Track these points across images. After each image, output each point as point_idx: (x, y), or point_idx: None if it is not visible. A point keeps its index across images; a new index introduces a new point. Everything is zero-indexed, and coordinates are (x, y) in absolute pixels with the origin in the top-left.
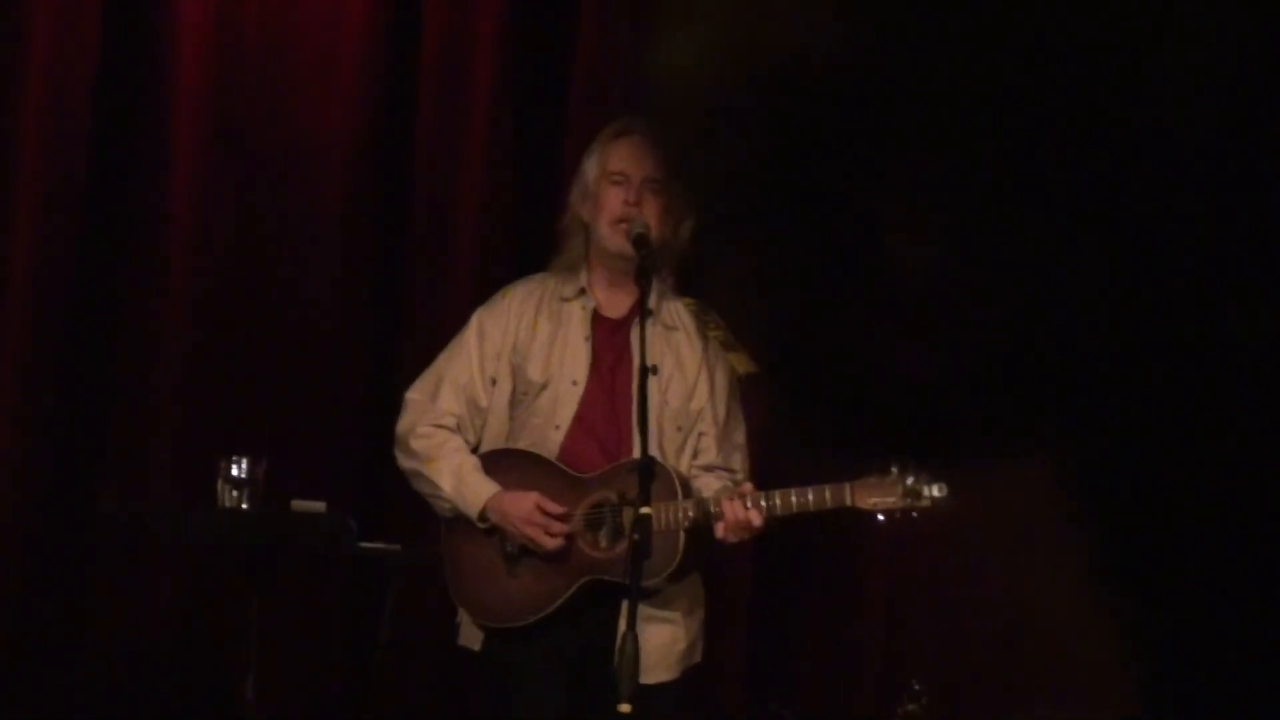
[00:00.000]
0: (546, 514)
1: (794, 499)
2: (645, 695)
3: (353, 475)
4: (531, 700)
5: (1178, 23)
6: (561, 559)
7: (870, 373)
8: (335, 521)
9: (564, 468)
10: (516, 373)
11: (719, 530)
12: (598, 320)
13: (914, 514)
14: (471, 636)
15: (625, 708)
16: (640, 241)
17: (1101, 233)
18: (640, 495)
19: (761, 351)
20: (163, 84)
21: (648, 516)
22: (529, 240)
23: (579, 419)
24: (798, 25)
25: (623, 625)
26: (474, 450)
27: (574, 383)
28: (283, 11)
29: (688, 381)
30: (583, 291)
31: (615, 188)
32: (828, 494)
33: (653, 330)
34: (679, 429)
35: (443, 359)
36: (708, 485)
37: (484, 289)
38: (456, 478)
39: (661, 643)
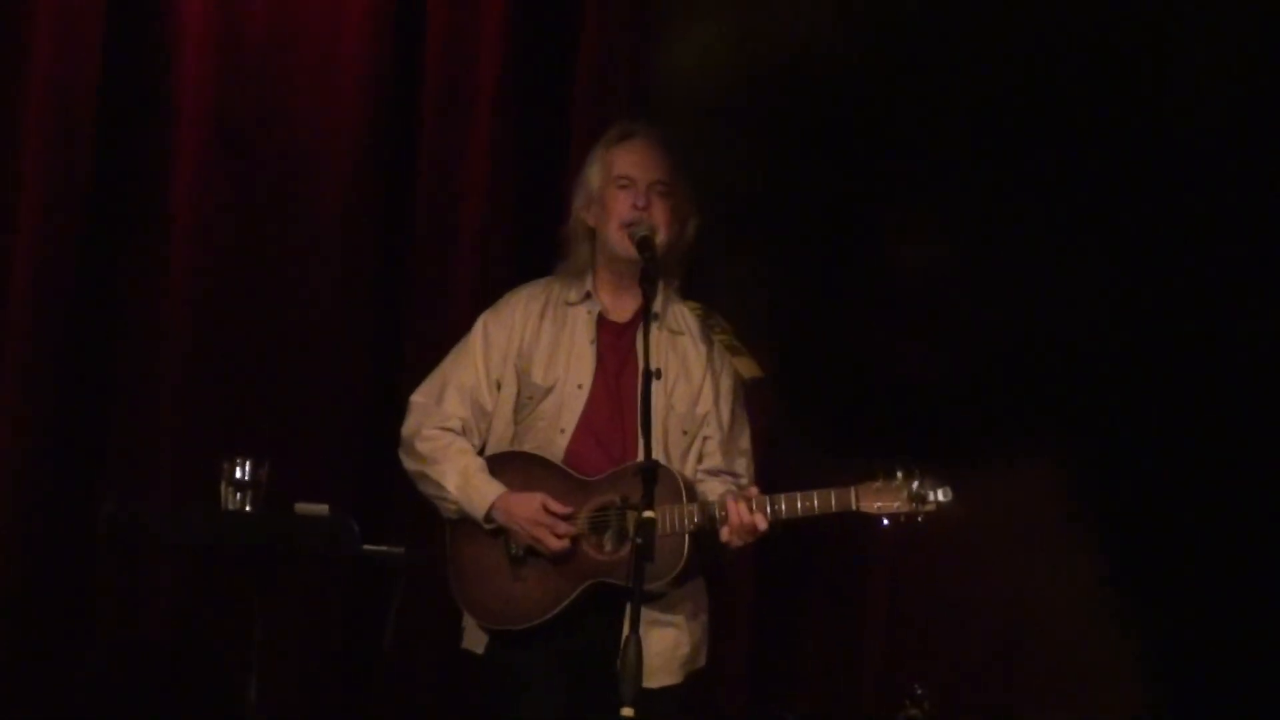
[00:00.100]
0: (552, 514)
1: (799, 503)
2: (648, 699)
3: (355, 477)
4: (534, 704)
5: (1179, 26)
6: (566, 562)
7: (875, 376)
8: (338, 524)
9: (569, 470)
10: (522, 376)
11: (724, 533)
12: (603, 324)
13: (919, 518)
14: (475, 639)
15: (628, 712)
16: (644, 245)
17: (1103, 235)
18: (643, 499)
19: (767, 355)
20: (165, 84)
21: (651, 520)
22: (531, 242)
23: (584, 423)
24: (799, 29)
25: (626, 629)
26: (479, 454)
27: (579, 386)
28: (285, 12)
29: (693, 386)
30: (588, 296)
31: (623, 192)
32: (833, 498)
33: (658, 334)
34: (684, 433)
35: (448, 362)
36: (712, 489)
37: (486, 290)
38: (463, 478)
39: (665, 647)
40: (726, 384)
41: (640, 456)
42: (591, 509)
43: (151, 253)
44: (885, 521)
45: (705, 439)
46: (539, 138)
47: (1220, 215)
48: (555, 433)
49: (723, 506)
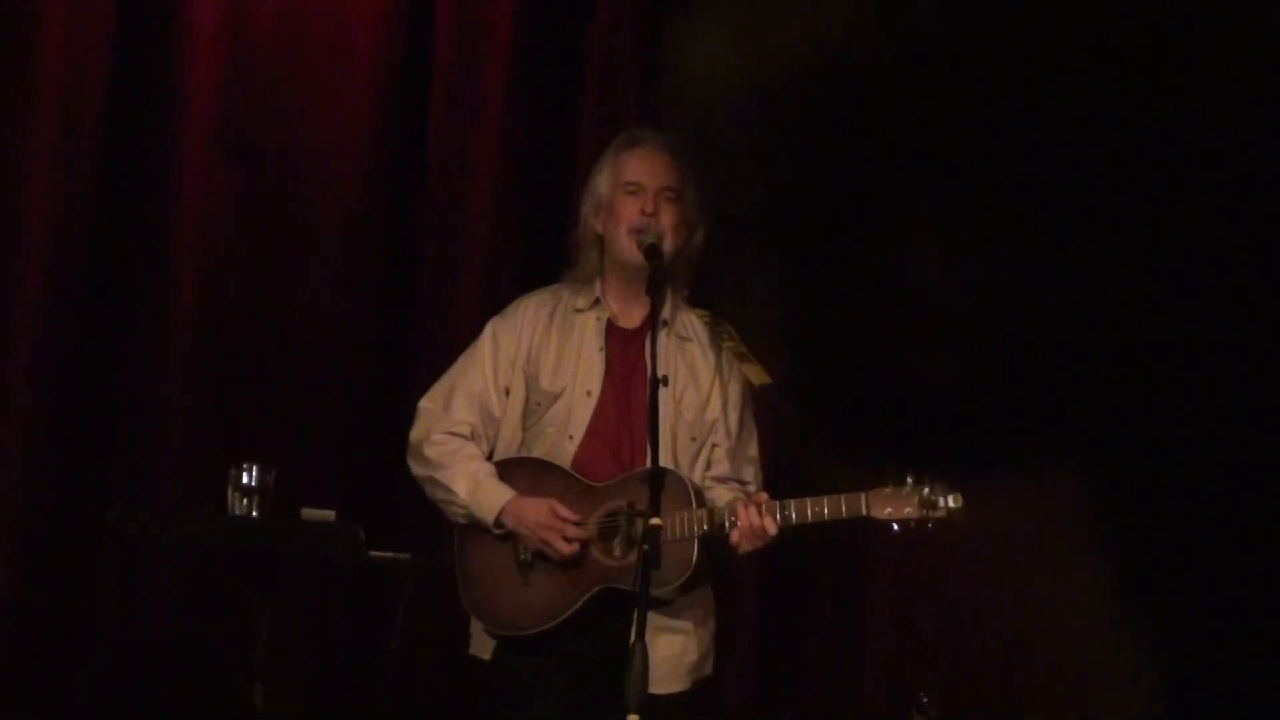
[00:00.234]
0: (562, 519)
1: (809, 508)
2: (654, 705)
3: (362, 483)
4: (541, 710)
5: (1195, 42)
6: (575, 567)
7: (886, 383)
8: (345, 530)
9: (578, 476)
10: (530, 383)
11: (734, 536)
12: (612, 331)
13: (929, 524)
14: (482, 645)
15: (634, 718)
16: (652, 252)
17: (1115, 246)
18: (650, 505)
19: (779, 362)
20: (173, 84)
21: (657, 527)
22: (539, 246)
23: (593, 429)
24: (812, 42)
25: (634, 635)
26: (487, 459)
27: (588, 393)
28: (293, 13)
29: (701, 393)
30: (597, 302)
31: (630, 198)
32: (843, 503)
33: (666, 341)
34: (693, 440)
35: (456, 368)
36: (720, 497)
37: (493, 295)
38: (472, 483)
39: (672, 653)
40: (735, 391)
41: (648, 463)
42: (601, 514)
43: (158, 256)
44: (895, 527)
45: (713, 446)
46: (548, 143)
47: (1244, 229)
48: (564, 439)
49: (733, 512)
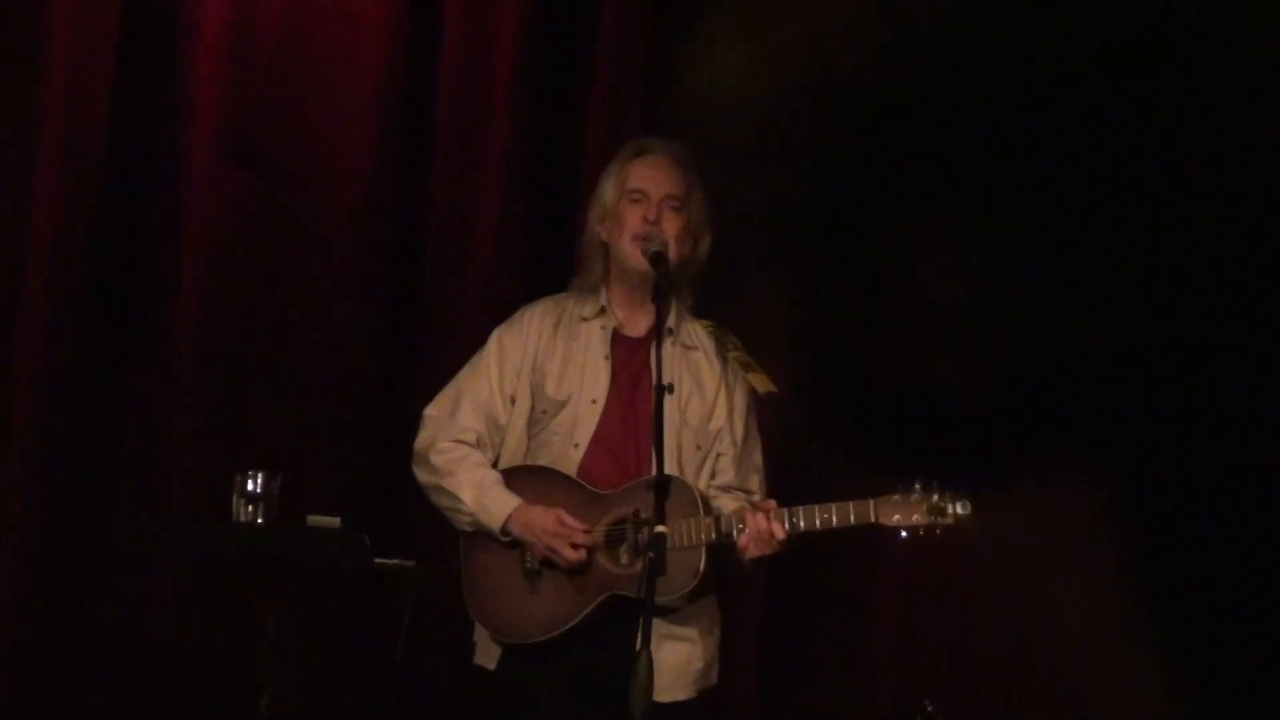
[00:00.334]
0: (569, 526)
1: (818, 515)
2: (659, 714)
3: (367, 490)
4: (547, 718)
5: (1200, 49)
6: (582, 575)
7: (894, 392)
8: (350, 536)
9: (584, 484)
10: (536, 391)
11: (741, 540)
12: (617, 339)
13: (938, 531)
14: (487, 654)
15: None
16: (657, 260)
17: (1127, 253)
18: (655, 513)
19: (785, 371)
20: (179, 89)
21: (663, 535)
22: (545, 254)
23: (598, 437)
24: (830, 56)
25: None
26: (492, 467)
27: (594, 401)
28: (299, 17)
29: (706, 401)
30: (602, 311)
31: (635, 205)
32: (852, 510)
33: (672, 350)
34: (698, 448)
35: (462, 376)
36: (726, 505)
37: (499, 303)
38: (479, 490)
39: (678, 661)
40: (740, 400)
41: (654, 471)
42: (607, 522)
43: (162, 261)
44: (904, 534)
45: (718, 455)
46: (554, 149)
47: (1262, 241)
48: (569, 447)
49: (740, 519)
